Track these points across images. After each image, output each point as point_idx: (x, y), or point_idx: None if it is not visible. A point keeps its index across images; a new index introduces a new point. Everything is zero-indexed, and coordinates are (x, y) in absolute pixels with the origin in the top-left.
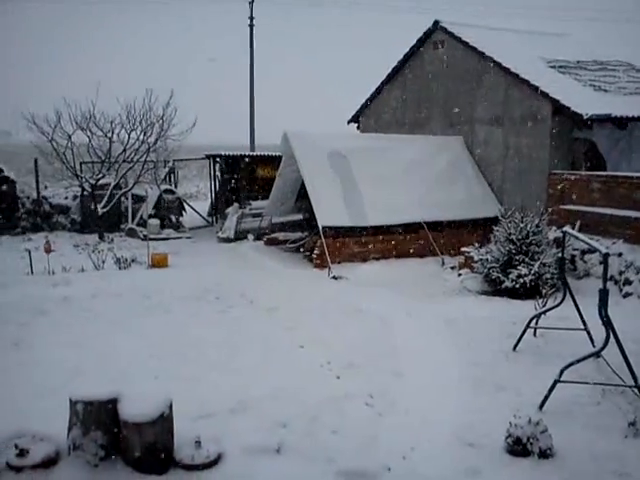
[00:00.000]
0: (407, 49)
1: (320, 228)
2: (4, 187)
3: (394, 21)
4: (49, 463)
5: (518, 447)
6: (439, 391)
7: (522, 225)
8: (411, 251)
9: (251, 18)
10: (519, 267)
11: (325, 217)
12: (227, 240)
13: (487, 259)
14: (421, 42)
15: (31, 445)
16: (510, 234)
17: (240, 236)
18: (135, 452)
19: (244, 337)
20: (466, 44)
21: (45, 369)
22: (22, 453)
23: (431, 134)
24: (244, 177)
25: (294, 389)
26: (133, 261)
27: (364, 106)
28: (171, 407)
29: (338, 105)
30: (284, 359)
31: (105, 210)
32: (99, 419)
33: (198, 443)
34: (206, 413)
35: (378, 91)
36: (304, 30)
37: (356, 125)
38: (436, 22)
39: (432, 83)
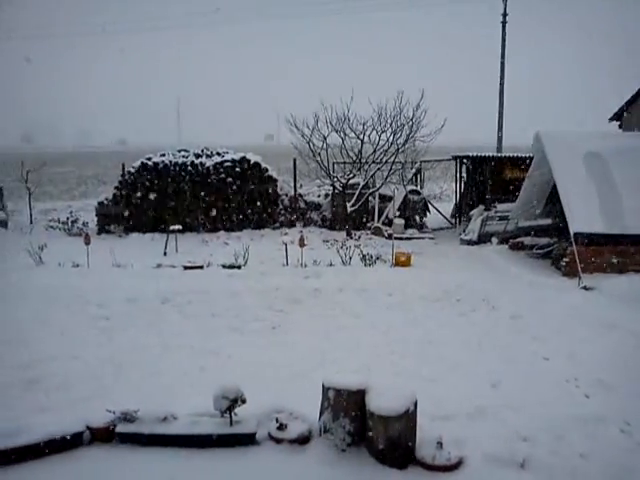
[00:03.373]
0: None
1: (572, 234)
2: (269, 185)
3: None
4: (303, 440)
5: None
6: None
7: None
8: None
9: (504, 15)
10: None
11: (578, 223)
12: (470, 242)
13: None
14: None
15: (288, 421)
16: None
17: (483, 239)
18: (379, 444)
19: (485, 342)
20: None
21: (298, 353)
22: (281, 427)
23: None
24: (490, 179)
25: (536, 402)
26: (378, 259)
27: (629, 102)
28: (416, 405)
29: (589, 103)
30: (526, 369)
31: (354, 208)
32: (348, 407)
33: (440, 444)
34: (444, 415)
35: None
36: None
37: (618, 124)
38: None
39: None
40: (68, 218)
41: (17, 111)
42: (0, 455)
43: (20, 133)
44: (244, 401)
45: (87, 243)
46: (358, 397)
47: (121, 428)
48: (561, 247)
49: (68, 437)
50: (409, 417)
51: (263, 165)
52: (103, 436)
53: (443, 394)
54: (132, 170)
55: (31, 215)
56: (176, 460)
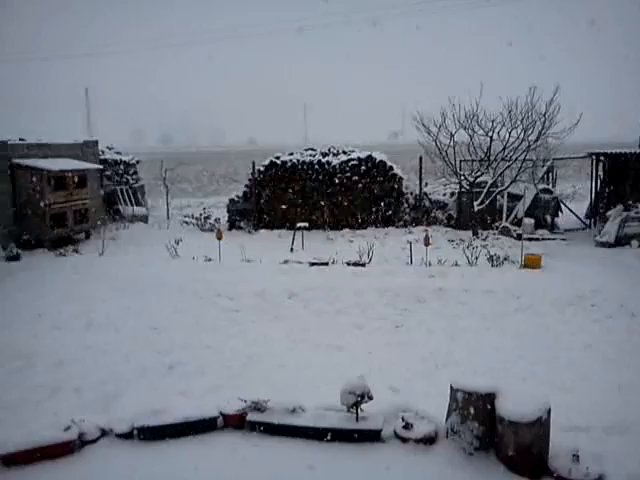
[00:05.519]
0: None
1: None
2: (394, 184)
3: None
4: (429, 441)
5: None
6: None
7: None
8: None
9: None
10: None
11: None
12: (606, 245)
13: None
14: None
15: (414, 421)
16: None
17: (622, 241)
18: (509, 450)
19: (622, 352)
20: None
21: (422, 353)
22: (407, 426)
23: None
24: (631, 177)
25: None
26: (505, 259)
27: None
28: (549, 413)
29: None
30: None
31: (481, 207)
32: (476, 410)
33: (576, 457)
34: (577, 426)
35: None
36: None
37: None
38: None
39: None
40: (201, 214)
41: (156, 115)
42: (150, 431)
43: (159, 135)
44: (371, 397)
45: (219, 238)
46: (488, 400)
47: (252, 416)
48: None
49: (204, 421)
50: (542, 425)
51: (388, 163)
52: (235, 423)
53: (575, 404)
54: (261, 168)
55: (168, 211)
56: (303, 451)
